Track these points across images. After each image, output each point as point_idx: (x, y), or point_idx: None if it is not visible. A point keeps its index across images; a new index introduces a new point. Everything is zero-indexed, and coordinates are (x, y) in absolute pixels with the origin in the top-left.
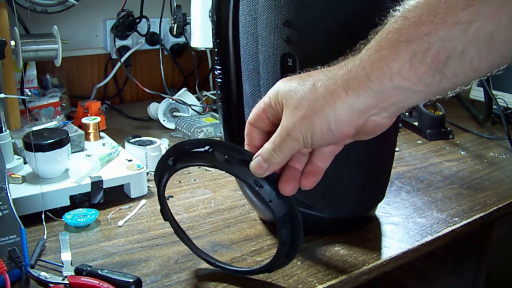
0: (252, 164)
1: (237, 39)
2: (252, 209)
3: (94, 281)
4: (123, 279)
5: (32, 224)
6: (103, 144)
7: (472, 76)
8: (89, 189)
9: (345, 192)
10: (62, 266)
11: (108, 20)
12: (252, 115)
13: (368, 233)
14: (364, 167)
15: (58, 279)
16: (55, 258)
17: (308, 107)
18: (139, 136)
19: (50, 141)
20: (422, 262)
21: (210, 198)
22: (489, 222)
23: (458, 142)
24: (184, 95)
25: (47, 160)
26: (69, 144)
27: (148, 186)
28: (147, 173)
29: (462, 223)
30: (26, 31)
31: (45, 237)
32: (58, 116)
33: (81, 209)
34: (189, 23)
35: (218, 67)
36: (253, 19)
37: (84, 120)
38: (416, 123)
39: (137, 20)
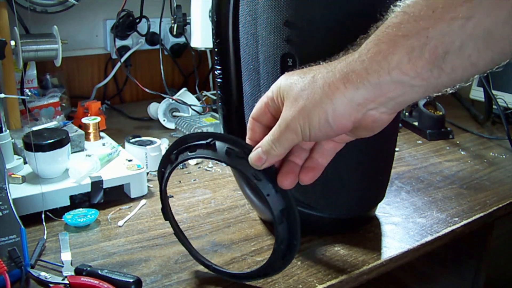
0: (251, 156)
1: (237, 39)
2: (252, 209)
3: (94, 281)
4: (123, 279)
5: (32, 224)
6: (103, 144)
7: (471, 71)
8: (89, 189)
9: (345, 192)
10: (62, 266)
11: (108, 20)
12: (255, 110)
13: (368, 233)
14: (364, 167)
15: (58, 279)
16: (55, 258)
17: (307, 99)
18: (139, 136)
19: (50, 141)
20: (422, 262)
21: (210, 198)
22: (489, 222)
23: (458, 142)
24: (184, 95)
25: (47, 160)
26: (69, 144)
27: (148, 186)
28: (147, 173)
29: (462, 223)
30: (26, 31)
31: (45, 237)
32: (58, 116)
33: (81, 209)
34: (189, 23)
35: (218, 67)
36: (253, 19)
37: (84, 120)
38: (416, 123)
39: (137, 20)
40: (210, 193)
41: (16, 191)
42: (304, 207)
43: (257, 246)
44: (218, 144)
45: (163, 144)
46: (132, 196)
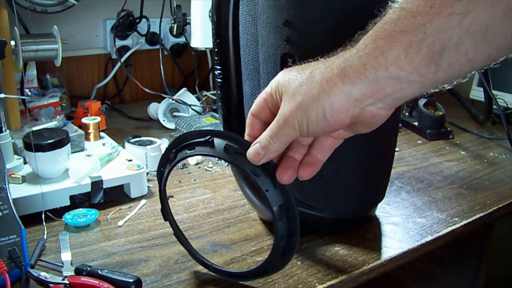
0: (250, 151)
1: (237, 39)
2: (252, 209)
3: (94, 281)
4: (123, 279)
5: (32, 224)
6: (103, 144)
7: (468, 67)
8: (89, 189)
9: (345, 192)
10: (62, 266)
11: (108, 20)
12: (254, 106)
13: (368, 233)
14: (364, 167)
15: (58, 279)
16: (55, 258)
17: (305, 94)
18: (139, 136)
19: (50, 141)
20: (422, 262)
21: (210, 198)
22: (489, 222)
23: (458, 142)
24: (184, 95)
25: (47, 160)
26: (69, 144)
27: (148, 186)
28: (147, 173)
29: (462, 223)
30: (26, 31)
31: (45, 237)
32: (58, 116)
33: (81, 209)
34: (189, 23)
35: (218, 67)
36: (253, 19)
37: (84, 120)
38: (416, 123)
39: (137, 20)
40: (210, 193)
41: (16, 191)
42: (304, 207)
43: (257, 246)
44: (216, 141)
45: (163, 144)
46: (132, 196)
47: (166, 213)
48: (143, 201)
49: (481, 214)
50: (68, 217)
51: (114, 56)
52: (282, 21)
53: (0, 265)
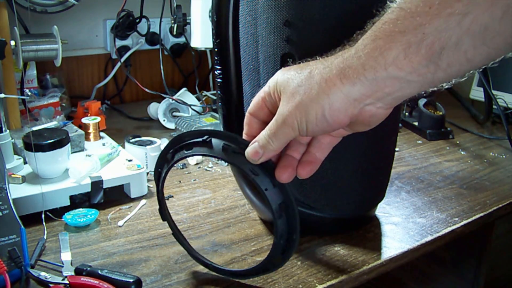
0: (248, 150)
1: (237, 39)
2: (252, 209)
3: (94, 281)
4: (123, 279)
5: (32, 224)
6: (103, 144)
7: (467, 67)
8: (89, 189)
9: (345, 192)
10: (62, 266)
11: (108, 20)
12: (252, 105)
13: (368, 233)
14: (364, 167)
15: (58, 279)
16: (55, 258)
17: (304, 94)
18: (139, 136)
19: (50, 141)
20: (422, 262)
21: (210, 198)
22: (489, 222)
23: (458, 142)
24: (184, 95)
25: (47, 160)
26: (69, 144)
27: (148, 186)
28: (147, 173)
29: (462, 223)
30: (26, 31)
31: (45, 237)
32: (58, 116)
33: (81, 209)
34: (189, 23)
35: (218, 67)
36: (253, 19)
37: (84, 120)
38: (416, 123)
39: (137, 20)
40: (210, 193)
41: (16, 191)
42: (304, 207)
43: (257, 246)
44: (214, 141)
45: (163, 144)
46: (132, 196)
47: (164, 213)
48: (143, 201)
49: (481, 214)
50: (68, 217)
51: (114, 56)
52: (282, 21)
53: (0, 265)
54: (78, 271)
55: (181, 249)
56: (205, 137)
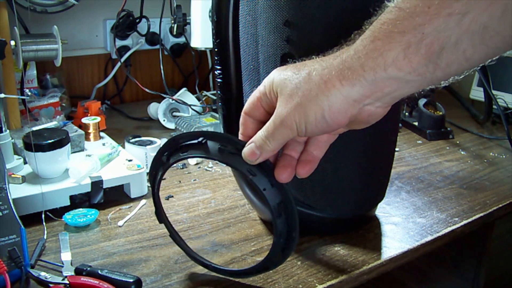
0: (245, 151)
1: (237, 39)
2: (252, 209)
3: (94, 281)
4: (123, 279)
5: (32, 224)
6: (103, 144)
7: (466, 66)
8: (89, 189)
9: (345, 192)
10: (62, 266)
11: (108, 20)
12: (247, 104)
13: (368, 233)
14: (364, 167)
15: (58, 279)
16: (55, 258)
17: (303, 96)
18: (139, 136)
19: (50, 141)
20: (422, 262)
21: (210, 198)
22: (489, 222)
23: (458, 142)
24: (184, 95)
25: (47, 160)
26: (69, 144)
27: (148, 186)
28: (147, 173)
29: (462, 223)
30: (26, 31)
31: (45, 237)
32: (58, 116)
33: (81, 209)
34: (189, 23)
35: (218, 67)
36: (253, 19)
37: (84, 120)
38: (416, 123)
39: (137, 20)
40: (210, 193)
41: (16, 191)
42: (304, 207)
43: (257, 246)
44: (210, 142)
45: None
46: (132, 196)
47: (161, 215)
48: (143, 201)
49: (481, 214)
50: (68, 217)
51: (114, 56)
52: (282, 21)
53: (0, 265)
54: (78, 271)
55: (181, 249)
56: (200, 139)
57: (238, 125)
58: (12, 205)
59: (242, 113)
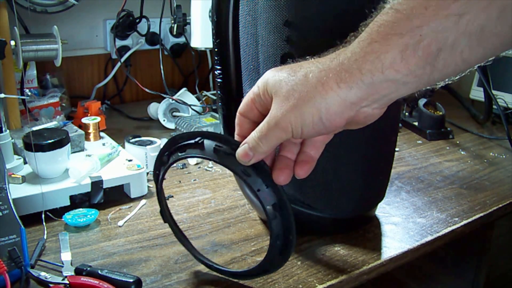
0: (238, 152)
1: (237, 39)
2: (252, 209)
3: (94, 281)
4: (123, 279)
5: (32, 224)
6: (103, 144)
7: (462, 67)
8: (89, 189)
9: (345, 192)
10: (62, 266)
11: (108, 20)
12: (242, 105)
13: (368, 233)
14: (364, 167)
15: (58, 279)
16: (55, 258)
17: (299, 97)
18: (139, 136)
19: (50, 141)
20: (422, 262)
21: (210, 198)
22: (489, 222)
23: (458, 142)
24: (184, 95)
25: (47, 160)
26: (69, 144)
27: (148, 186)
28: (147, 173)
29: (462, 223)
30: (26, 31)
31: (45, 237)
32: (58, 116)
33: (81, 209)
34: (189, 23)
35: (218, 67)
36: (253, 19)
37: (84, 120)
38: (416, 123)
39: (137, 20)
40: (210, 193)
41: (16, 191)
42: (304, 207)
43: (257, 246)
44: (206, 142)
45: (163, 144)
46: (132, 196)
47: (165, 215)
48: (143, 201)
49: (481, 214)
50: (68, 217)
51: (114, 56)
52: (282, 21)
53: (0, 265)
54: (78, 271)
55: (181, 249)
56: (197, 139)
57: None
58: (12, 205)
59: (237, 114)
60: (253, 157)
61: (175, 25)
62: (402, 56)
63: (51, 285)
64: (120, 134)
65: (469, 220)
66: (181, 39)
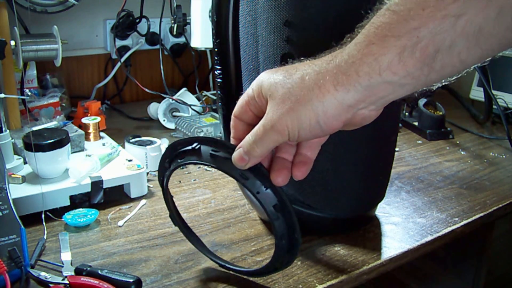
0: (234, 156)
1: (237, 39)
2: (252, 209)
3: (94, 281)
4: (123, 279)
5: (32, 224)
6: (103, 144)
7: (460, 68)
8: (89, 189)
9: (345, 192)
10: (62, 266)
11: (108, 20)
12: (236, 108)
13: (368, 233)
14: (364, 167)
15: (58, 279)
16: (55, 258)
17: (296, 101)
18: (139, 136)
19: (50, 141)
20: (422, 262)
21: (210, 198)
22: (489, 222)
23: (458, 142)
24: (184, 95)
25: (47, 160)
26: (69, 144)
27: (148, 186)
28: (147, 173)
29: (462, 223)
30: (26, 31)
31: (45, 237)
32: (58, 116)
33: (81, 209)
34: (189, 23)
35: (218, 67)
36: (253, 19)
37: (84, 120)
38: (416, 123)
39: (137, 20)
40: (210, 193)
41: (16, 191)
42: (304, 207)
43: (257, 246)
44: (203, 148)
45: (163, 144)
46: (132, 196)
47: (174, 219)
48: (143, 201)
49: (481, 214)
50: (68, 217)
51: (114, 56)
52: (282, 21)
53: (0, 265)
54: (78, 271)
55: (181, 249)
56: (194, 145)
57: None
58: (12, 205)
59: (232, 116)
60: (249, 161)
61: (175, 25)
62: (399, 58)
63: (51, 285)
64: (120, 134)
65: (469, 220)
66: (181, 39)
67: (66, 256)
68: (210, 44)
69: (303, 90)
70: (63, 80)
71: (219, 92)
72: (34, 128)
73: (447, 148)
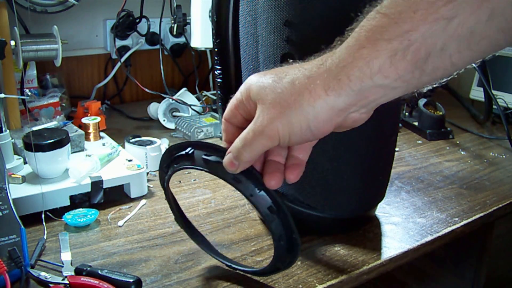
0: (225, 161)
1: (237, 39)
2: (252, 209)
3: (94, 281)
4: (123, 279)
5: (32, 224)
6: (103, 144)
7: (451, 71)
8: (89, 189)
9: (345, 192)
10: (62, 266)
11: (108, 20)
12: (226, 111)
13: (368, 233)
14: (364, 167)
15: (58, 279)
16: (55, 258)
17: (287, 106)
18: (139, 136)
19: (50, 141)
20: (422, 262)
21: (210, 198)
22: (489, 222)
23: (458, 142)
24: (184, 95)
25: (47, 160)
26: (69, 144)
27: (148, 186)
28: (147, 173)
29: (462, 223)
30: (26, 31)
31: (45, 237)
32: (58, 116)
33: (81, 209)
34: (189, 23)
35: (218, 67)
36: (253, 19)
37: (84, 120)
38: (416, 123)
39: (137, 20)
40: (210, 193)
41: (16, 191)
42: (304, 207)
43: (257, 246)
44: (196, 153)
45: (163, 144)
46: (132, 196)
47: (180, 221)
48: (143, 201)
49: (481, 214)
50: (68, 217)
51: (114, 56)
52: (282, 21)
53: (0, 265)
54: (78, 271)
55: (181, 249)
56: (188, 150)
57: None
58: (12, 205)
59: (223, 119)
60: (239, 166)
61: (175, 25)
62: (391, 61)
63: (51, 285)
64: (120, 134)
65: (469, 220)
66: (181, 39)
67: (66, 256)
68: (210, 44)
69: (293, 95)
70: (63, 80)
71: (219, 92)
72: (34, 128)
73: (447, 148)
